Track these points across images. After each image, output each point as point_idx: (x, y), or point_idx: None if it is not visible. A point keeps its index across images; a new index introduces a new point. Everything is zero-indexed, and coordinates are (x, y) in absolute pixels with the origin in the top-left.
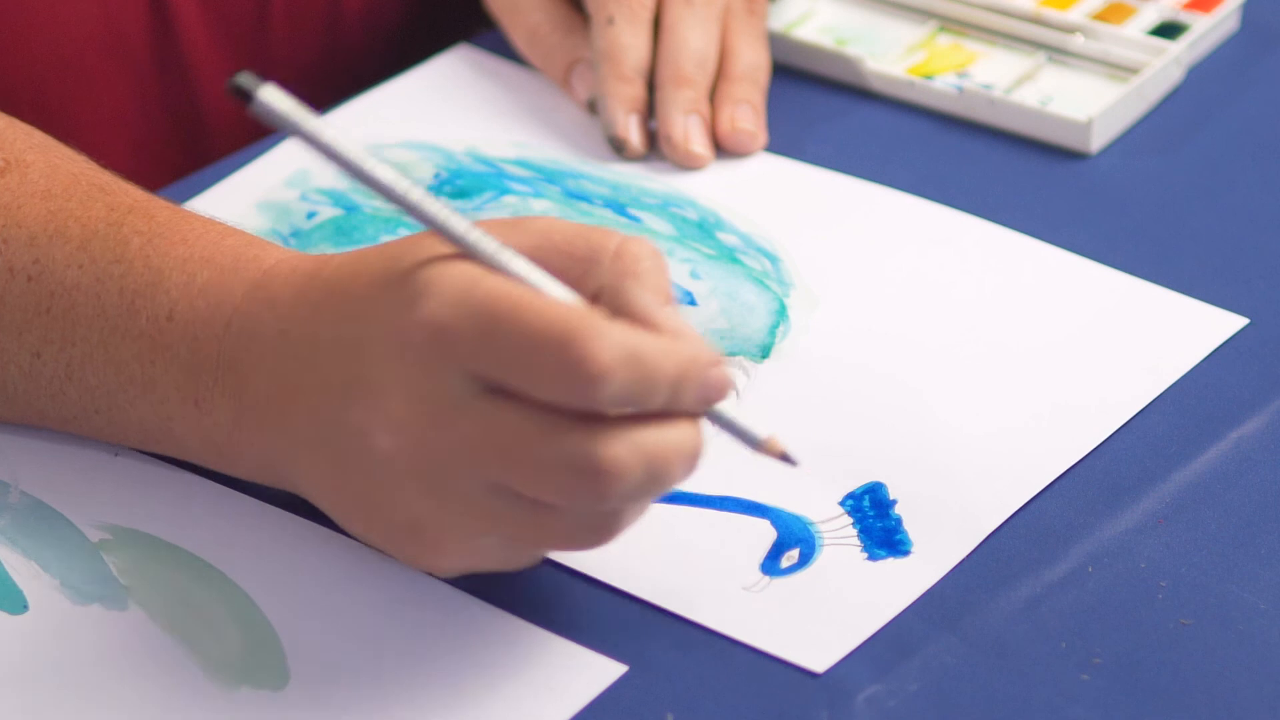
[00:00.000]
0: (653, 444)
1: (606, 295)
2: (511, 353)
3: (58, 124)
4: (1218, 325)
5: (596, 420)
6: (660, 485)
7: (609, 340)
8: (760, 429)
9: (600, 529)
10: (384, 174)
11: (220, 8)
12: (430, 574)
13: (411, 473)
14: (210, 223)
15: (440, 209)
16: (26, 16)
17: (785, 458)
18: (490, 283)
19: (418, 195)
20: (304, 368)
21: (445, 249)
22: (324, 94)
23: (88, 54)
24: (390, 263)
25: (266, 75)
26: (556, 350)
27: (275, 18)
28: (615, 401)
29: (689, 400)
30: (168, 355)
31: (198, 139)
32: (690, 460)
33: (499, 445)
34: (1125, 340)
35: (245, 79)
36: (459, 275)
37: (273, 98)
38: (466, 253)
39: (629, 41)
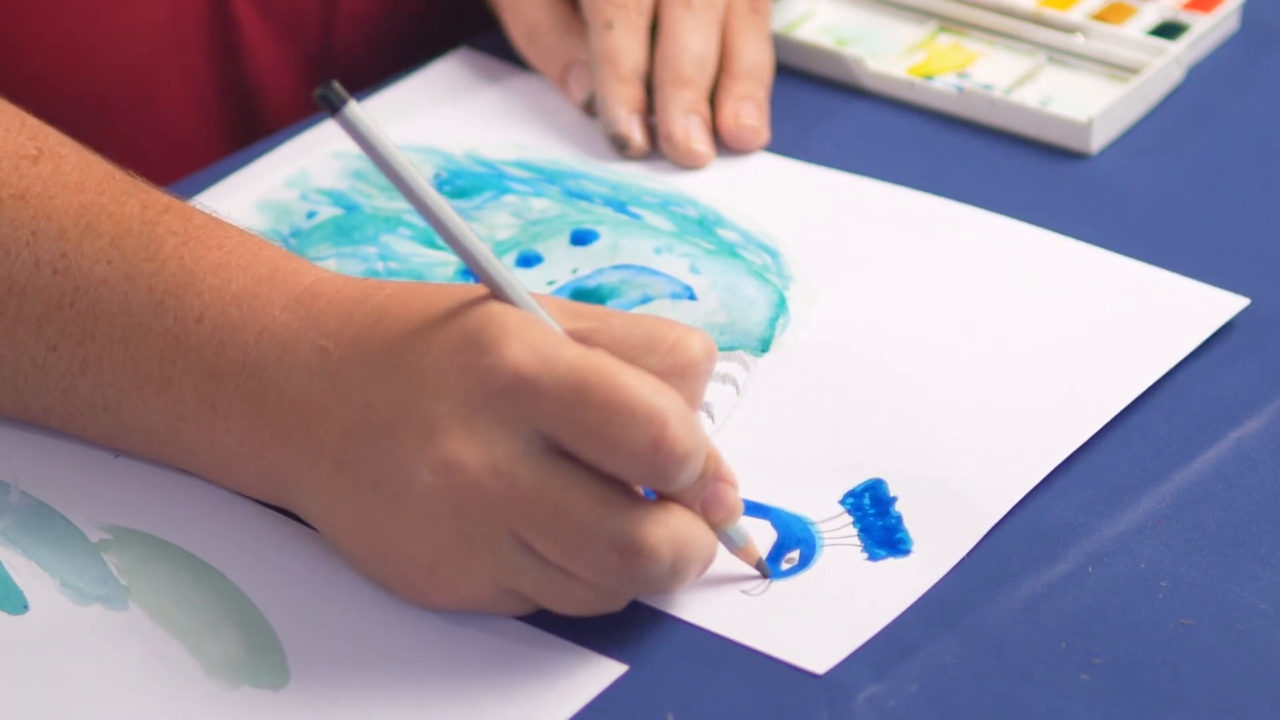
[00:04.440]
0: (684, 537)
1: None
2: (598, 421)
3: (121, 135)
4: (1218, 306)
5: (642, 503)
6: (677, 578)
7: (693, 424)
8: (740, 535)
9: (611, 602)
10: (446, 211)
11: (284, 20)
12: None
13: (447, 513)
14: (246, 233)
15: (491, 258)
16: (95, 27)
17: (760, 566)
18: (576, 348)
19: (473, 239)
20: (341, 388)
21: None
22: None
23: (152, 64)
24: (457, 303)
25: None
26: (647, 426)
27: (337, 30)
28: (683, 484)
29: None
30: (191, 357)
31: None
32: (705, 563)
33: (549, 507)
34: (1125, 324)
35: (334, 91)
36: (546, 332)
37: (357, 114)
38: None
39: (626, 45)
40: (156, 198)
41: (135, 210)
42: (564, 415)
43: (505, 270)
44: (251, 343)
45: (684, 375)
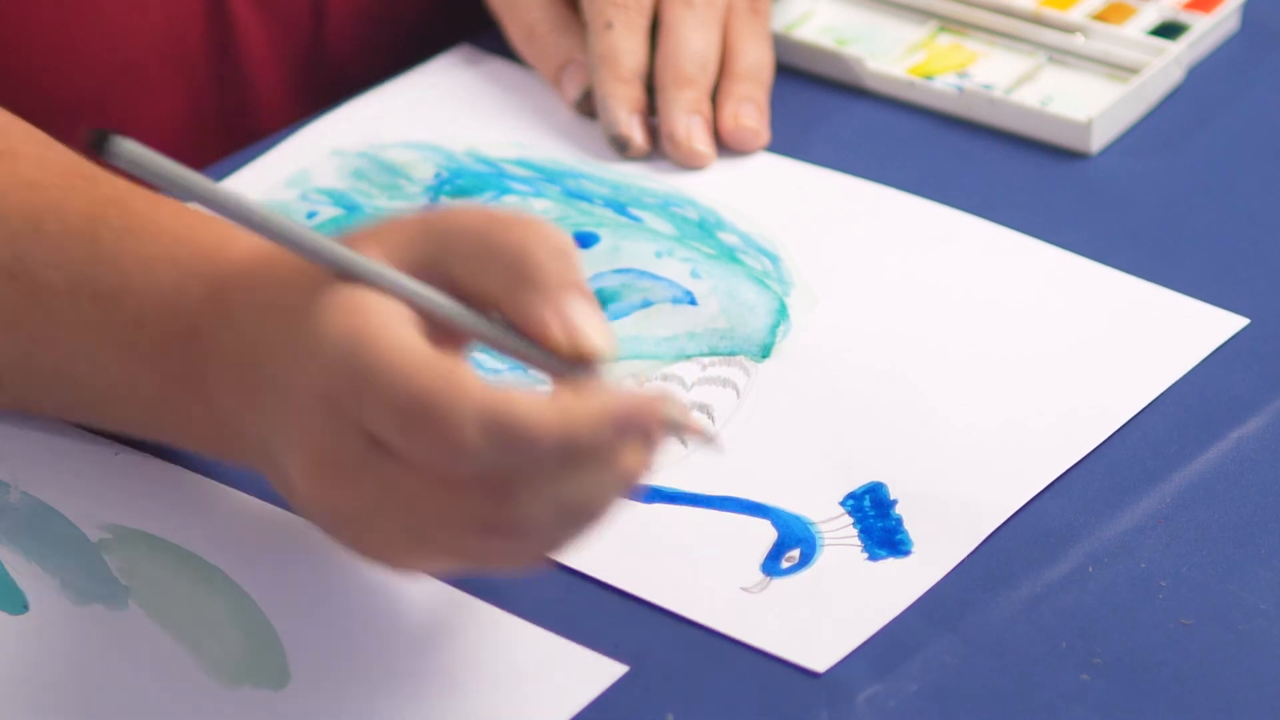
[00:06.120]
0: (566, 494)
1: (505, 306)
2: (387, 417)
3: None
4: (1218, 325)
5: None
6: (583, 525)
7: (469, 412)
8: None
9: (539, 555)
10: (255, 206)
11: (279, 17)
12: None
13: (334, 520)
14: (184, 213)
15: (319, 237)
16: (94, 26)
17: (706, 439)
18: (370, 338)
19: (284, 222)
20: (251, 386)
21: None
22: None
23: (150, 63)
24: (295, 296)
25: (324, 83)
26: (421, 419)
27: (332, 27)
28: (490, 469)
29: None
30: (144, 363)
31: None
32: (616, 490)
33: (403, 503)
34: (1125, 340)
35: (104, 135)
36: (346, 332)
37: (132, 150)
38: (346, 275)
39: (626, 46)
40: (104, 189)
41: (79, 206)
42: (366, 416)
43: (319, 235)
44: (187, 344)
45: (536, 284)
